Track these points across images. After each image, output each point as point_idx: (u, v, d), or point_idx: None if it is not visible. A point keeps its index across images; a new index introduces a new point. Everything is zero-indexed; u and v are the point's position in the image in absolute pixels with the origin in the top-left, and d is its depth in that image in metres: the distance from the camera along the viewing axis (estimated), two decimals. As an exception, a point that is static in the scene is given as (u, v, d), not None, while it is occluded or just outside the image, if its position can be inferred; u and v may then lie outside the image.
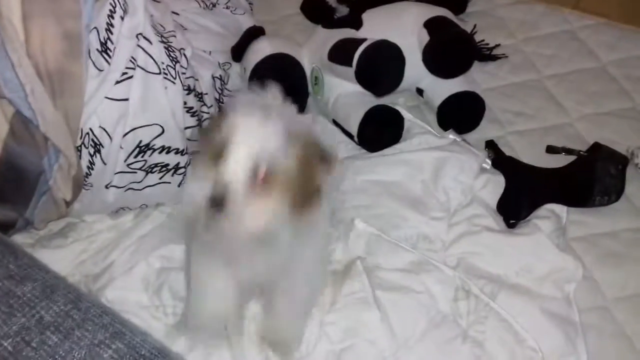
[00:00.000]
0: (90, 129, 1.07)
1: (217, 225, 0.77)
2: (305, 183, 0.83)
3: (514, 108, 1.48)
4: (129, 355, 0.52)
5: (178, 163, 1.21)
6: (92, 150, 1.09)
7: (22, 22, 0.98)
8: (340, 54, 1.34)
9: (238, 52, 1.50)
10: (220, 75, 1.41)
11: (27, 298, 0.55)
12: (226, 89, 1.43)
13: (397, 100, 1.47)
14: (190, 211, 0.79)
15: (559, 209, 1.26)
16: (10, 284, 0.56)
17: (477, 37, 1.57)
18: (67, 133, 1.05)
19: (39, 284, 0.56)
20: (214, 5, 1.60)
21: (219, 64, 1.44)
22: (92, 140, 1.08)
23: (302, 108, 1.48)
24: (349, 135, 1.39)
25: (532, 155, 1.38)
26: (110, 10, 1.07)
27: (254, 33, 1.50)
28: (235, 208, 0.77)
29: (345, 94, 1.39)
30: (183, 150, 1.20)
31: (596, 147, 1.33)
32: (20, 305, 0.54)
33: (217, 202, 0.76)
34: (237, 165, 0.78)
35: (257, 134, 0.80)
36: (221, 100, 1.40)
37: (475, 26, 1.61)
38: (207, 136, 0.86)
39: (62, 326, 0.53)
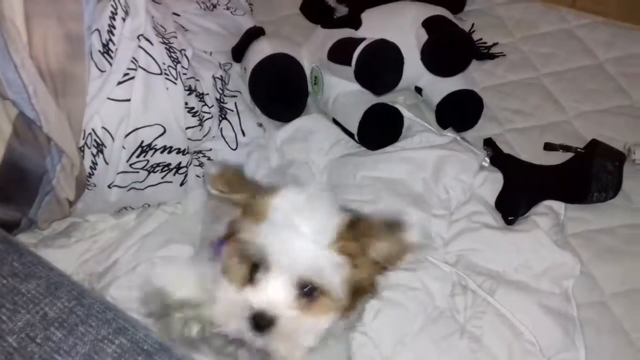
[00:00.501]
0: (93, 130, 1.09)
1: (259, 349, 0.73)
2: (357, 290, 0.78)
3: (512, 106, 1.50)
4: (132, 350, 0.53)
5: (180, 163, 1.22)
6: (94, 151, 1.10)
7: (25, 24, 0.99)
8: (339, 53, 1.35)
9: (238, 52, 1.51)
10: (221, 76, 1.42)
11: (32, 295, 0.56)
12: (227, 88, 1.45)
13: (396, 99, 1.48)
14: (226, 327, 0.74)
15: (557, 205, 1.27)
16: (15, 281, 0.57)
17: (475, 36, 1.58)
18: (69, 133, 1.06)
19: (43, 281, 0.58)
20: (214, 7, 1.61)
21: (219, 64, 1.46)
22: (95, 141, 1.10)
23: (302, 107, 1.49)
24: (349, 133, 1.40)
25: (530, 152, 1.39)
26: (112, 12, 1.08)
27: (254, 33, 1.52)
28: (282, 330, 0.72)
29: (344, 93, 1.41)
30: (184, 150, 1.22)
31: (593, 144, 1.34)
32: (24, 302, 0.56)
33: (261, 325, 0.72)
34: (280, 284, 0.73)
35: (301, 248, 0.73)
36: (222, 100, 1.41)
37: (473, 25, 1.62)
38: (237, 236, 0.79)
39: (66, 322, 0.54)
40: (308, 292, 0.74)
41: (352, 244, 0.76)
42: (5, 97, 0.98)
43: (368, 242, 0.77)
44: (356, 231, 0.77)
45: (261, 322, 0.71)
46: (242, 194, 0.80)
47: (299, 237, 0.73)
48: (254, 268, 0.75)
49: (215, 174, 0.80)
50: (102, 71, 1.08)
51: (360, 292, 0.79)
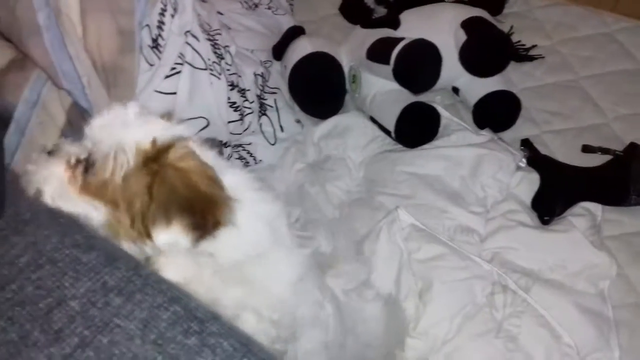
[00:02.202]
0: (141, 120, 1.13)
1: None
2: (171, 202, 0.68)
3: (550, 108, 1.49)
4: (186, 317, 0.57)
5: (221, 155, 1.26)
6: (142, 141, 1.15)
7: (80, 18, 1.04)
8: (378, 52, 1.38)
9: (279, 50, 1.55)
10: (261, 73, 1.46)
11: (93, 265, 0.60)
12: (267, 85, 1.48)
13: (434, 99, 1.50)
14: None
15: (594, 207, 1.27)
16: (77, 252, 0.61)
17: (514, 38, 1.59)
18: (119, 124, 1.10)
19: (102, 252, 0.62)
20: (256, 6, 1.66)
21: (260, 62, 1.50)
22: (143, 132, 1.14)
23: (340, 105, 1.52)
24: (386, 131, 1.42)
25: (568, 154, 1.39)
26: (162, 9, 1.13)
27: (295, 32, 1.55)
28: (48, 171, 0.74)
29: (382, 92, 1.43)
30: (226, 142, 1.26)
31: (632, 147, 1.33)
32: (86, 271, 0.60)
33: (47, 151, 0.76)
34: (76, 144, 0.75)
35: (117, 125, 0.72)
36: (262, 96, 1.45)
37: (512, 27, 1.63)
38: None
39: (124, 290, 0.58)
40: (82, 162, 0.73)
41: (161, 152, 0.70)
42: (61, 87, 1.02)
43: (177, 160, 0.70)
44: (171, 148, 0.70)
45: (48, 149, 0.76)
46: None
47: (122, 122, 0.73)
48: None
49: None
50: (151, 65, 1.12)
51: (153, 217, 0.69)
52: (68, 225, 0.64)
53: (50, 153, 0.76)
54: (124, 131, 0.71)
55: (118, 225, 0.70)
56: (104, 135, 0.72)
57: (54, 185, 0.73)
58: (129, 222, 0.69)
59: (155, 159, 0.69)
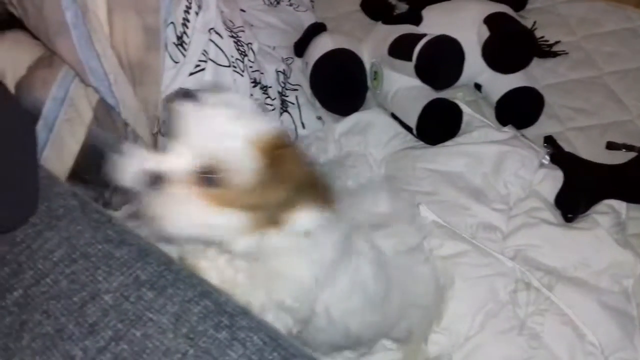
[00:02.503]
0: (166, 117, 1.15)
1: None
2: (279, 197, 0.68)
3: (573, 104, 1.48)
4: (216, 311, 0.58)
5: (244, 151, 1.26)
6: (167, 137, 1.16)
7: (107, 16, 1.05)
8: (400, 48, 1.37)
9: (300, 47, 1.55)
10: (283, 70, 1.47)
11: (125, 259, 0.62)
12: (288, 82, 1.49)
13: (456, 95, 1.49)
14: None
15: (618, 205, 1.26)
16: (109, 247, 0.63)
17: (537, 34, 1.58)
18: (145, 121, 1.12)
19: (134, 247, 0.63)
20: (277, 3, 1.66)
21: (282, 58, 1.51)
22: (168, 128, 1.15)
23: (361, 102, 1.52)
24: (407, 128, 1.41)
25: (592, 151, 1.38)
26: (187, 6, 1.14)
27: (316, 29, 1.56)
28: (162, 197, 0.66)
29: (404, 88, 1.42)
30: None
31: (658, 144, 1.32)
32: (118, 266, 0.61)
33: (147, 182, 0.67)
34: (181, 155, 0.67)
35: (216, 126, 0.67)
36: (284, 93, 1.45)
37: (535, 23, 1.61)
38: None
39: (156, 284, 0.59)
40: (208, 177, 0.67)
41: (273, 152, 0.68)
42: (88, 84, 1.04)
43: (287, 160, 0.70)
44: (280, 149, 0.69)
45: (149, 179, 0.66)
46: None
47: (218, 120, 0.68)
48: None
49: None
50: (175, 62, 1.14)
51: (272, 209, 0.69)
52: (100, 220, 0.65)
53: (158, 181, 0.67)
54: (230, 136, 0.67)
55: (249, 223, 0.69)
56: (209, 141, 0.67)
57: (183, 208, 0.67)
58: (262, 218, 0.68)
59: (271, 154, 0.67)
